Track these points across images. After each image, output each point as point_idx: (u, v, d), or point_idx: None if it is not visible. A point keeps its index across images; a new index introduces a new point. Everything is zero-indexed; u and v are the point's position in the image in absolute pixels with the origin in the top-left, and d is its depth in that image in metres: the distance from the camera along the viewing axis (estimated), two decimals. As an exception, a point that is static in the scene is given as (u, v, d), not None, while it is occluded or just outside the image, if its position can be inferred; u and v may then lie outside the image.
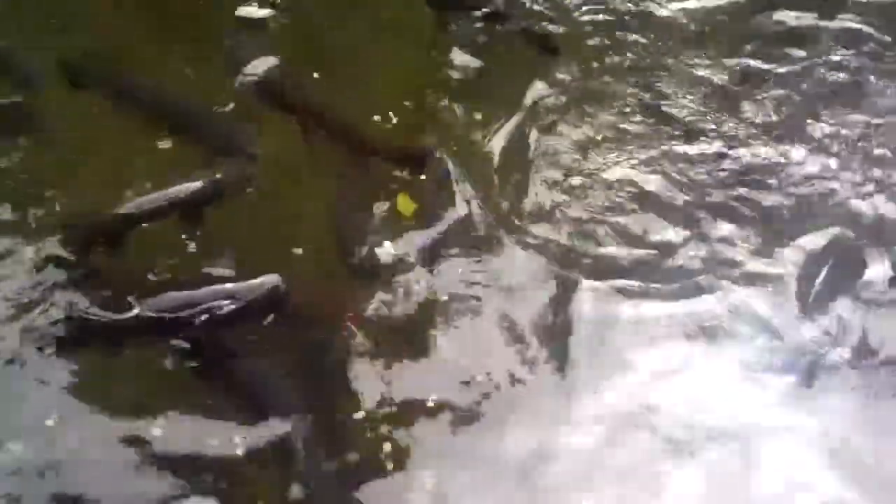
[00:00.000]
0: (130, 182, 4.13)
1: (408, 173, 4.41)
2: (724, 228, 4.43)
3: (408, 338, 3.97)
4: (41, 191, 4.11)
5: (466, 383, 3.84)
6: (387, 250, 4.16)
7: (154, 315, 3.74)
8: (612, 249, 4.31)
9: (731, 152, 4.71)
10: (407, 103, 4.71)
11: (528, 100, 4.84)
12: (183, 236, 4.03)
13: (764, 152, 4.72)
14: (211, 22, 4.92)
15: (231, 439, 3.59)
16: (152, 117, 4.37)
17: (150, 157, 4.26)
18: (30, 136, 4.29)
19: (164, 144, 4.31)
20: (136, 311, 3.76)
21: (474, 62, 4.94)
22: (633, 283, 4.19)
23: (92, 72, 4.46)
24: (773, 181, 4.61)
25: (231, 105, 4.49)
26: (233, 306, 3.74)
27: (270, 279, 3.82)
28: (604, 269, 4.23)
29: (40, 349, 3.73)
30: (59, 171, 4.20)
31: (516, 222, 4.36)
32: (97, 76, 4.45)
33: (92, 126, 4.35)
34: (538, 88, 4.90)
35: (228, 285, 3.80)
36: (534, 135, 4.70)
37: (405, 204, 4.30)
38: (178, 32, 4.75)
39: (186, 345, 3.75)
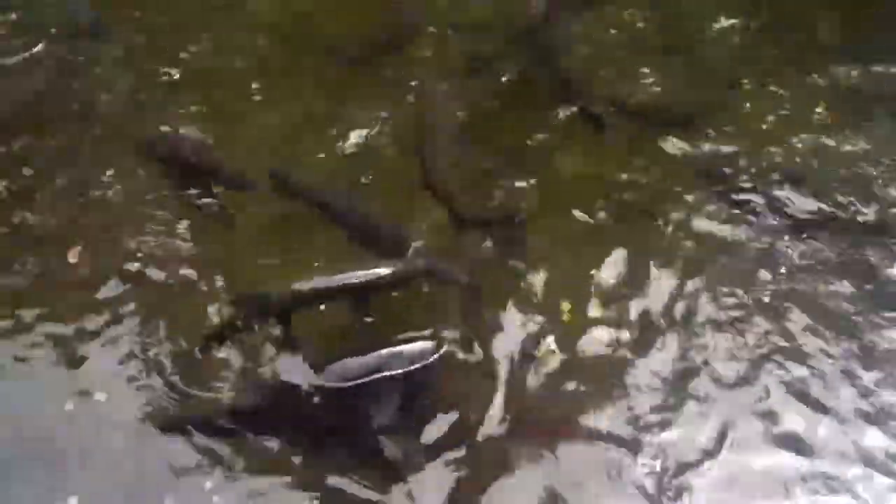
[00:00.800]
0: (306, 269, 4.37)
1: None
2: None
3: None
4: (222, 270, 4.41)
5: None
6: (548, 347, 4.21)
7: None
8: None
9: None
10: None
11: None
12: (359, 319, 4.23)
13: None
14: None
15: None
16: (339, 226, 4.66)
17: (328, 253, 4.52)
18: (220, 225, 4.67)
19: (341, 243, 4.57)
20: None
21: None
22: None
23: (293, 183, 4.81)
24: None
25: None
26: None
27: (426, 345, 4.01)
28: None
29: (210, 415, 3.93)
30: (240, 254, 4.52)
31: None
32: (296, 186, 4.80)
33: (279, 222, 4.67)
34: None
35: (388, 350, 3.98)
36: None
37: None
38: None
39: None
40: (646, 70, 5.56)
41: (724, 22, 5.94)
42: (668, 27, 5.90)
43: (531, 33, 5.71)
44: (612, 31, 5.86)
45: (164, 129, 5.07)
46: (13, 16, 5.75)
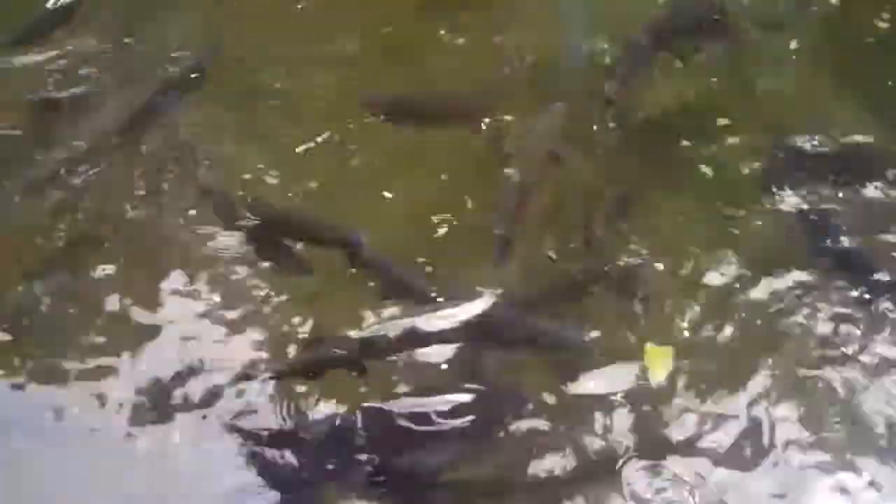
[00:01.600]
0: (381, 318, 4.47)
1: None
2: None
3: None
4: (300, 314, 4.53)
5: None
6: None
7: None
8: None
9: None
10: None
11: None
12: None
13: None
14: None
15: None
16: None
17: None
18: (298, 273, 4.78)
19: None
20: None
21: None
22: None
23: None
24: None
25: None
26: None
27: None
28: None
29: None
30: (317, 300, 4.63)
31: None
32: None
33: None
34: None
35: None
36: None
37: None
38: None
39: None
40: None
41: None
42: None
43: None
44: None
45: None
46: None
